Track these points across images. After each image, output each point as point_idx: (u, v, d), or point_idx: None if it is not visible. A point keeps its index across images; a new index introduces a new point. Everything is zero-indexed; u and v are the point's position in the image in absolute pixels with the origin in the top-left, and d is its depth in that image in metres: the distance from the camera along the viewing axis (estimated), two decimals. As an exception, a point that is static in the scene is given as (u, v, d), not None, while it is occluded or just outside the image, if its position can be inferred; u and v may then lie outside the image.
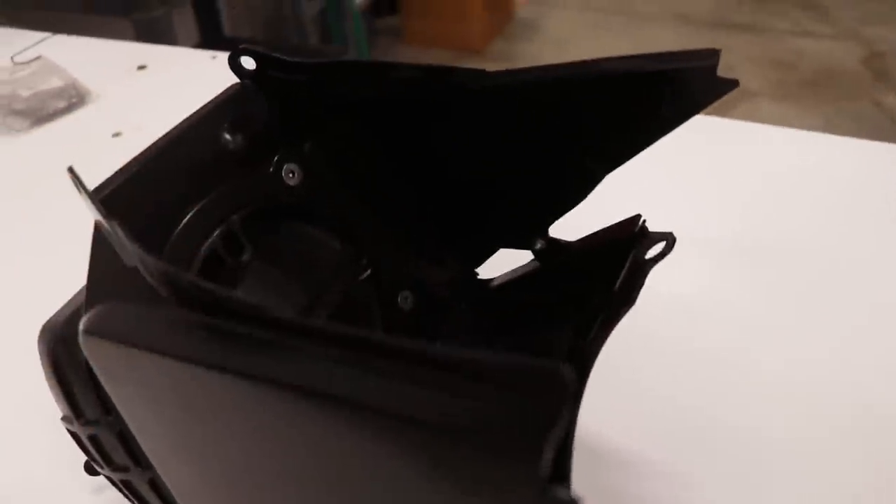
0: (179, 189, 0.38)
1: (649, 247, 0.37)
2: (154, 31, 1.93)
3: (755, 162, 0.76)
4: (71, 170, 0.30)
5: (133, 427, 0.33)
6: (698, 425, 0.51)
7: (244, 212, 0.40)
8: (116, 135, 0.84)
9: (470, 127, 0.40)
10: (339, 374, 0.21)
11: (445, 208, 0.46)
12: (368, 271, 0.45)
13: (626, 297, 0.36)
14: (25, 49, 1.08)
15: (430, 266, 0.48)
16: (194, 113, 0.39)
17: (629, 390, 0.54)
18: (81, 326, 0.30)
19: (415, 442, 0.19)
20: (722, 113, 0.83)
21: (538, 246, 0.43)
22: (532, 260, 0.45)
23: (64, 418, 0.37)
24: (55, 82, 0.95)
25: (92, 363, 0.31)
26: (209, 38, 2.35)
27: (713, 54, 0.30)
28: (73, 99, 0.93)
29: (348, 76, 0.38)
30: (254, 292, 0.41)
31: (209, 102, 0.39)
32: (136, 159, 0.36)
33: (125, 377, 0.30)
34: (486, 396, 0.18)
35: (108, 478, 0.40)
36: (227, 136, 0.39)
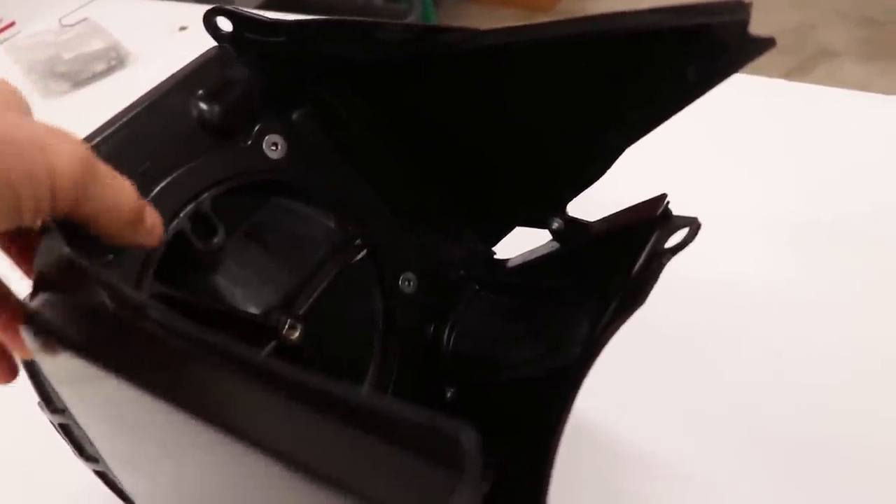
0: (143, 165, 0.34)
1: (670, 234, 0.33)
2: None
3: (833, 131, 0.68)
4: None
5: (79, 422, 0.31)
6: (749, 425, 0.47)
7: (217, 189, 0.36)
8: (152, 98, 0.83)
9: (473, 92, 0.36)
10: (230, 402, 0.19)
11: (455, 181, 0.42)
12: (364, 251, 0.41)
13: (640, 288, 0.32)
14: (73, 11, 1.07)
15: (443, 243, 0.44)
16: (166, 80, 0.35)
17: (674, 388, 0.50)
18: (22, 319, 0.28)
19: (303, 488, 0.17)
20: (799, 76, 0.75)
21: (555, 226, 0.39)
22: (551, 240, 0.41)
23: (39, 404, 0.36)
24: (97, 44, 0.94)
25: (34, 355, 0.29)
26: (272, -2, 2.33)
27: (742, 7, 0.25)
28: (112, 61, 0.91)
29: (330, 37, 0.35)
30: (232, 276, 0.38)
31: (183, 68, 0.36)
32: (95, 132, 0.33)
33: (62, 373, 0.28)
34: (390, 457, 0.16)
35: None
36: (202, 106, 0.36)
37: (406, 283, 0.43)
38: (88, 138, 0.33)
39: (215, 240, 0.37)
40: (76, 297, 0.26)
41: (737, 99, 0.72)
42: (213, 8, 0.35)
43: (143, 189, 0.34)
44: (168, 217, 0.35)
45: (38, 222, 0.29)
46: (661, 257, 0.32)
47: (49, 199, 0.27)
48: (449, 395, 0.43)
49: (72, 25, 1.02)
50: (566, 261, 0.40)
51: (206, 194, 0.36)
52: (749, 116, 0.70)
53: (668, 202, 0.34)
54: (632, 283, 0.33)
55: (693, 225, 0.33)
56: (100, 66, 0.91)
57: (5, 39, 1.03)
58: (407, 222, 0.43)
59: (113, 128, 0.34)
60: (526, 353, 0.41)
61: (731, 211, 0.60)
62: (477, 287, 0.44)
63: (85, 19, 1.03)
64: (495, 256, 0.45)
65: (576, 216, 0.39)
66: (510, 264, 0.43)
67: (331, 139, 0.40)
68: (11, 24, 1.05)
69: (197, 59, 0.36)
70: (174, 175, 0.35)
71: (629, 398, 0.48)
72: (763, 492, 0.43)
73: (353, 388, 0.17)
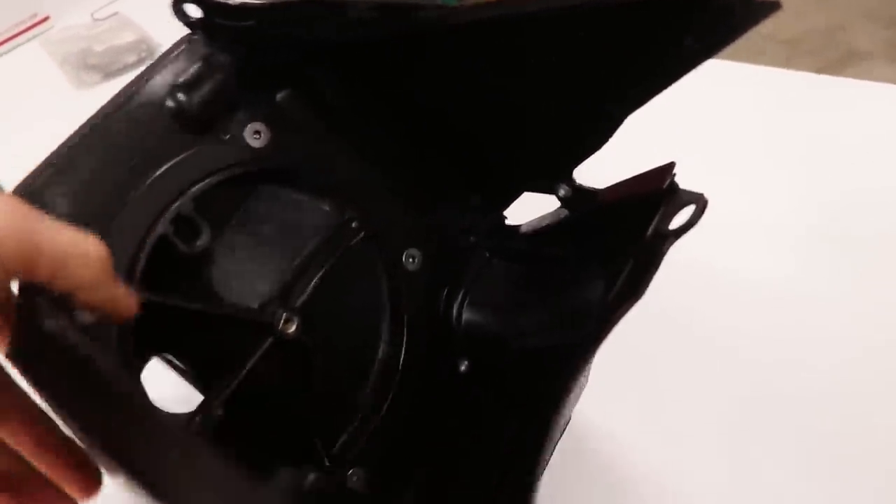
0: (119, 171, 0.33)
1: (676, 209, 0.32)
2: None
3: (862, 126, 0.67)
4: None
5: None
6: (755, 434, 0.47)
7: (199, 187, 0.35)
8: (180, 88, 0.85)
9: (458, 68, 0.36)
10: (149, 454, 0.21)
11: (452, 152, 0.41)
12: (363, 233, 0.40)
13: (641, 274, 0.31)
14: (105, 6, 1.10)
15: (447, 214, 0.43)
16: (138, 76, 0.34)
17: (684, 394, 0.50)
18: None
19: None
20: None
21: (562, 193, 0.39)
22: (560, 207, 0.41)
23: None
24: (128, 37, 0.97)
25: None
26: None
27: None
28: (143, 53, 0.94)
29: (302, 19, 0.34)
30: (224, 272, 0.37)
31: (154, 63, 0.35)
32: (67, 141, 0.33)
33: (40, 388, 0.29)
34: None
35: None
36: (178, 98, 0.34)
37: (410, 259, 0.42)
38: (62, 148, 0.32)
39: (199, 241, 0.36)
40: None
41: (766, 93, 0.72)
42: None
43: (123, 194, 0.33)
44: (148, 223, 0.34)
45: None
46: (665, 240, 0.32)
47: None
48: (463, 367, 0.43)
49: (103, 19, 1.04)
50: (575, 228, 0.40)
51: (186, 194, 0.35)
52: (777, 110, 0.70)
53: (675, 174, 0.34)
54: (633, 269, 0.32)
55: (699, 202, 0.32)
56: (130, 59, 0.93)
57: (41, 33, 1.05)
58: (405, 197, 0.42)
59: (86, 133, 0.33)
60: (536, 323, 0.41)
61: (749, 203, 0.60)
62: (488, 254, 0.44)
63: (116, 14, 1.05)
64: (506, 222, 0.44)
65: (583, 184, 0.39)
66: (521, 230, 0.43)
67: (317, 119, 0.39)
68: (46, 19, 1.08)
69: (168, 50, 0.35)
70: (151, 179, 0.34)
71: (631, 394, 0.48)
72: (767, 488, 0.43)
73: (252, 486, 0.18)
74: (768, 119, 0.69)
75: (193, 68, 0.35)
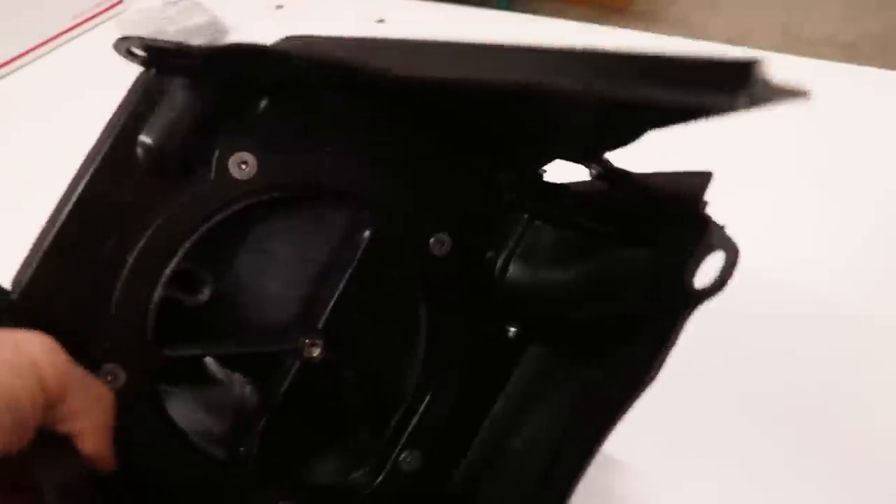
0: (106, 244, 0.32)
1: (703, 255, 0.30)
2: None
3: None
4: None
5: None
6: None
7: (192, 241, 0.33)
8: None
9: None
10: None
11: (463, 139, 0.39)
12: (379, 234, 0.38)
13: (654, 355, 0.32)
14: (177, -11, 1.14)
15: (473, 186, 0.40)
16: (103, 131, 0.32)
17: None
18: None
19: None
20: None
21: (594, 172, 0.36)
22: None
23: None
24: (199, 20, 1.01)
25: None
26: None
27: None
28: (212, 35, 0.98)
29: (242, 63, 0.32)
30: (241, 309, 0.37)
31: (116, 110, 0.32)
32: (44, 228, 0.32)
33: None
34: None
35: None
36: (150, 143, 0.31)
37: (439, 245, 0.39)
38: (42, 237, 0.32)
39: (203, 293, 0.35)
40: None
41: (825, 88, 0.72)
42: (121, 38, 0.32)
43: (113, 274, 0.32)
44: (147, 293, 0.33)
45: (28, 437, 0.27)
46: (692, 300, 0.31)
47: (40, 394, 0.26)
48: (511, 333, 0.42)
49: (175, 2, 1.08)
50: (617, 208, 0.39)
51: (179, 251, 0.34)
52: (836, 105, 0.70)
53: (706, 202, 0.32)
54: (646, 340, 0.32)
55: (730, 252, 0.29)
56: (201, 40, 0.97)
57: (114, 15, 1.10)
58: (423, 180, 0.39)
59: (62, 215, 0.32)
60: (580, 290, 0.40)
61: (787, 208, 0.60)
62: (527, 216, 0.42)
63: (187, -3, 1.10)
64: (545, 178, 0.42)
65: (616, 166, 0.36)
66: (565, 189, 0.41)
67: (306, 121, 0.36)
68: (120, 2, 1.13)
69: (128, 93, 0.32)
70: (140, 245, 0.33)
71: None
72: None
73: None
74: (828, 114, 0.69)
75: (156, 109, 0.32)
